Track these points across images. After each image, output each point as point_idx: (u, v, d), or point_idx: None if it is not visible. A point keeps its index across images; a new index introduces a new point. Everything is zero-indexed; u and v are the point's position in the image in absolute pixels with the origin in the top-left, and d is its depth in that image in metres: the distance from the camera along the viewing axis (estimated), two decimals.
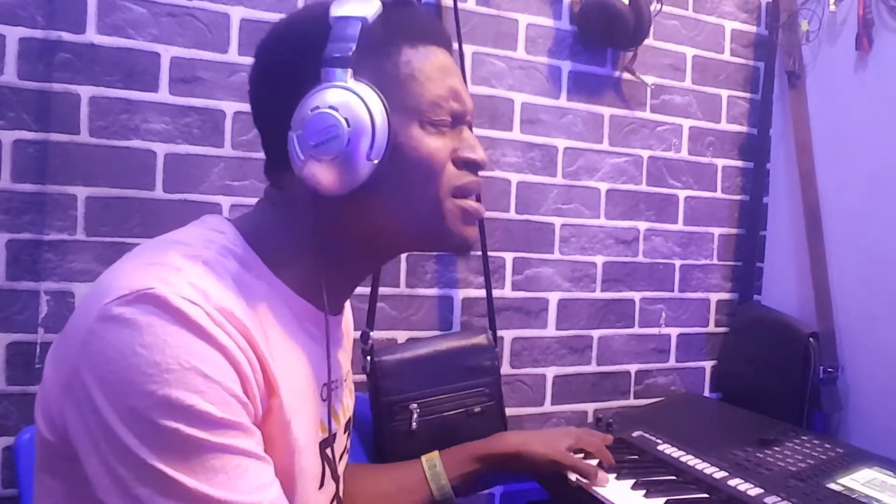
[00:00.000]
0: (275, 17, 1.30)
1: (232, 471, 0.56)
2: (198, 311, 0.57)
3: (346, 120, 0.62)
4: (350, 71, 0.64)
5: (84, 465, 0.56)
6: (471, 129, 0.74)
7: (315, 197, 0.65)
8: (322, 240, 0.69)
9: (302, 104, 0.64)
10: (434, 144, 0.68)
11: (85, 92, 1.18)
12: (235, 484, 0.56)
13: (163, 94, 1.23)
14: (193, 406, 0.55)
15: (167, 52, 1.23)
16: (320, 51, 0.64)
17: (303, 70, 0.65)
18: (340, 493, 0.82)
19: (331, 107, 0.62)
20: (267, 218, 0.72)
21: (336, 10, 0.65)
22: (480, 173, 0.74)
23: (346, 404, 0.83)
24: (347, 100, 0.63)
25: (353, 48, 0.63)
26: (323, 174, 0.63)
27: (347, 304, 0.89)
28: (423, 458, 1.03)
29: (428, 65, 0.69)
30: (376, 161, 0.64)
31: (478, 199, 0.76)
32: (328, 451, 0.75)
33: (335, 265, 0.72)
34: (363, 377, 1.25)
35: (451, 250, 0.81)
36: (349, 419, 0.84)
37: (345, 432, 0.82)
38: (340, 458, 0.81)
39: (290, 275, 0.69)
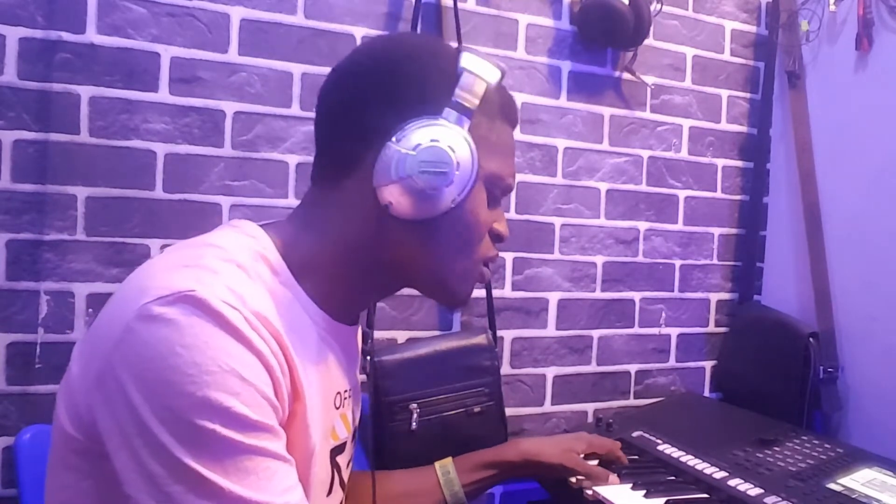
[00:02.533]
0: (275, 16, 1.30)
1: (262, 472, 0.58)
2: (236, 315, 0.58)
3: (458, 163, 0.67)
4: (468, 123, 0.69)
5: (112, 462, 0.57)
6: None
7: (381, 211, 0.68)
8: (356, 251, 0.72)
9: (419, 128, 0.67)
10: (486, 215, 0.75)
11: (85, 92, 1.18)
12: (266, 485, 0.57)
13: (163, 94, 1.23)
14: (231, 408, 0.56)
15: (167, 52, 1.23)
16: (448, 90, 0.69)
17: (428, 99, 0.69)
18: (344, 502, 0.83)
19: (450, 146, 0.67)
20: (302, 225, 0.73)
21: (467, 63, 0.70)
22: None
23: (356, 413, 0.84)
24: (464, 147, 0.68)
25: (478, 105, 0.69)
26: (406, 197, 0.67)
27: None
28: (437, 464, 1.03)
29: (509, 141, 0.78)
30: (454, 206, 0.69)
31: None
32: (338, 458, 0.77)
33: (358, 279, 0.74)
34: (363, 377, 1.24)
35: (450, 305, 0.90)
36: (355, 429, 0.85)
37: (353, 441, 0.83)
38: (347, 467, 0.82)
39: (312, 285, 0.71)
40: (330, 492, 0.75)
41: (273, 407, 0.60)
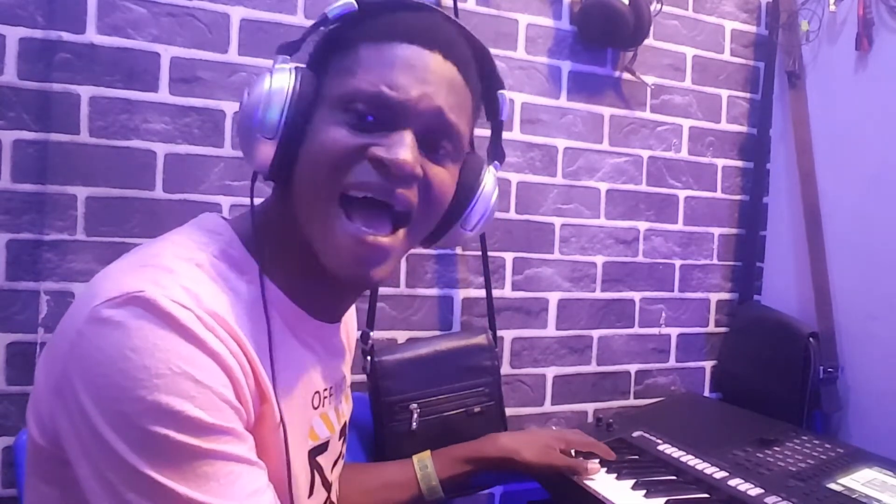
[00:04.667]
0: (275, 17, 1.30)
1: (224, 477, 0.56)
2: (188, 315, 0.56)
3: (248, 95, 0.65)
4: (287, 58, 0.67)
5: (75, 470, 0.56)
6: (439, 138, 0.65)
7: (266, 179, 0.68)
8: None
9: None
10: (336, 133, 0.62)
11: (85, 92, 1.18)
12: (228, 490, 0.56)
13: (163, 94, 1.23)
14: (183, 412, 0.54)
15: (167, 52, 1.23)
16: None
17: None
18: (333, 500, 0.81)
19: (248, 93, 0.65)
20: (265, 219, 0.71)
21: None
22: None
23: (342, 410, 0.82)
24: (259, 79, 0.65)
25: (300, 39, 0.68)
26: (244, 150, 0.67)
27: (351, 311, 0.88)
28: (415, 457, 1.03)
29: (375, 59, 0.63)
30: (271, 138, 0.63)
31: (402, 224, 0.65)
32: (318, 458, 0.75)
33: (321, 272, 0.66)
34: (363, 377, 1.25)
35: (345, 282, 0.67)
36: (344, 424, 0.84)
37: (339, 438, 0.81)
38: (334, 465, 0.80)
39: (284, 280, 0.68)
40: (311, 493, 0.73)
41: (234, 409, 0.58)
